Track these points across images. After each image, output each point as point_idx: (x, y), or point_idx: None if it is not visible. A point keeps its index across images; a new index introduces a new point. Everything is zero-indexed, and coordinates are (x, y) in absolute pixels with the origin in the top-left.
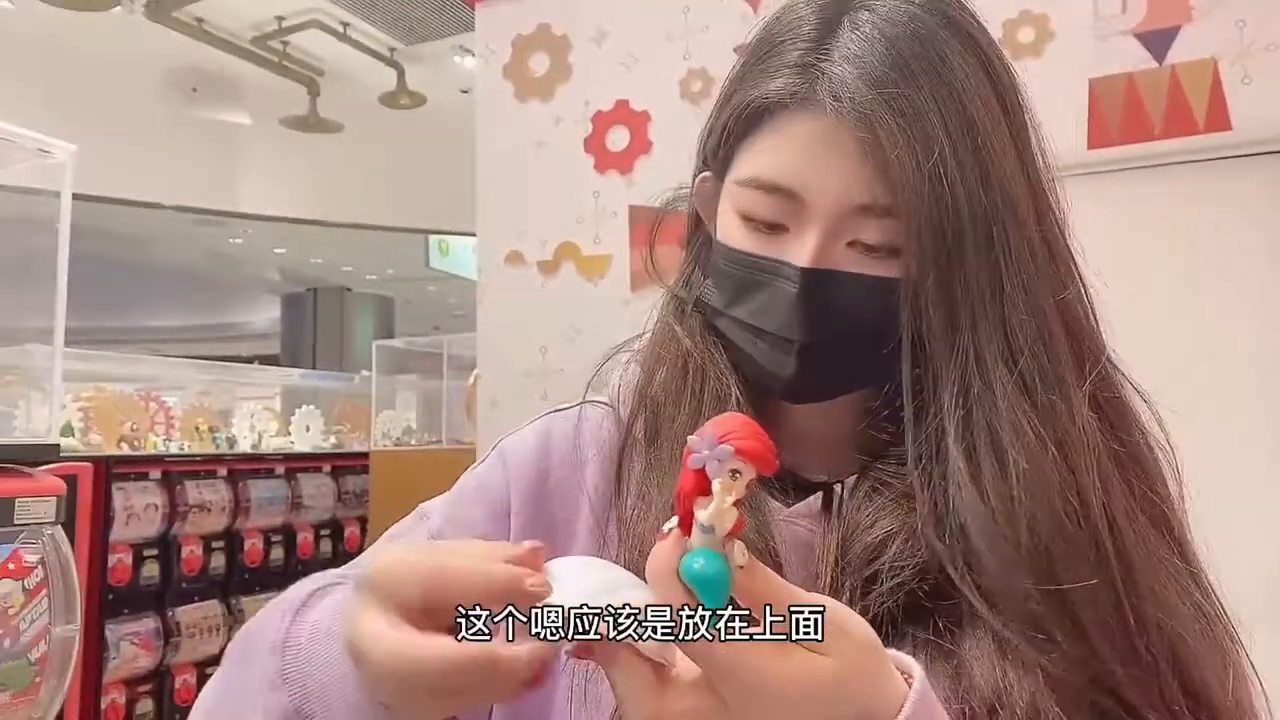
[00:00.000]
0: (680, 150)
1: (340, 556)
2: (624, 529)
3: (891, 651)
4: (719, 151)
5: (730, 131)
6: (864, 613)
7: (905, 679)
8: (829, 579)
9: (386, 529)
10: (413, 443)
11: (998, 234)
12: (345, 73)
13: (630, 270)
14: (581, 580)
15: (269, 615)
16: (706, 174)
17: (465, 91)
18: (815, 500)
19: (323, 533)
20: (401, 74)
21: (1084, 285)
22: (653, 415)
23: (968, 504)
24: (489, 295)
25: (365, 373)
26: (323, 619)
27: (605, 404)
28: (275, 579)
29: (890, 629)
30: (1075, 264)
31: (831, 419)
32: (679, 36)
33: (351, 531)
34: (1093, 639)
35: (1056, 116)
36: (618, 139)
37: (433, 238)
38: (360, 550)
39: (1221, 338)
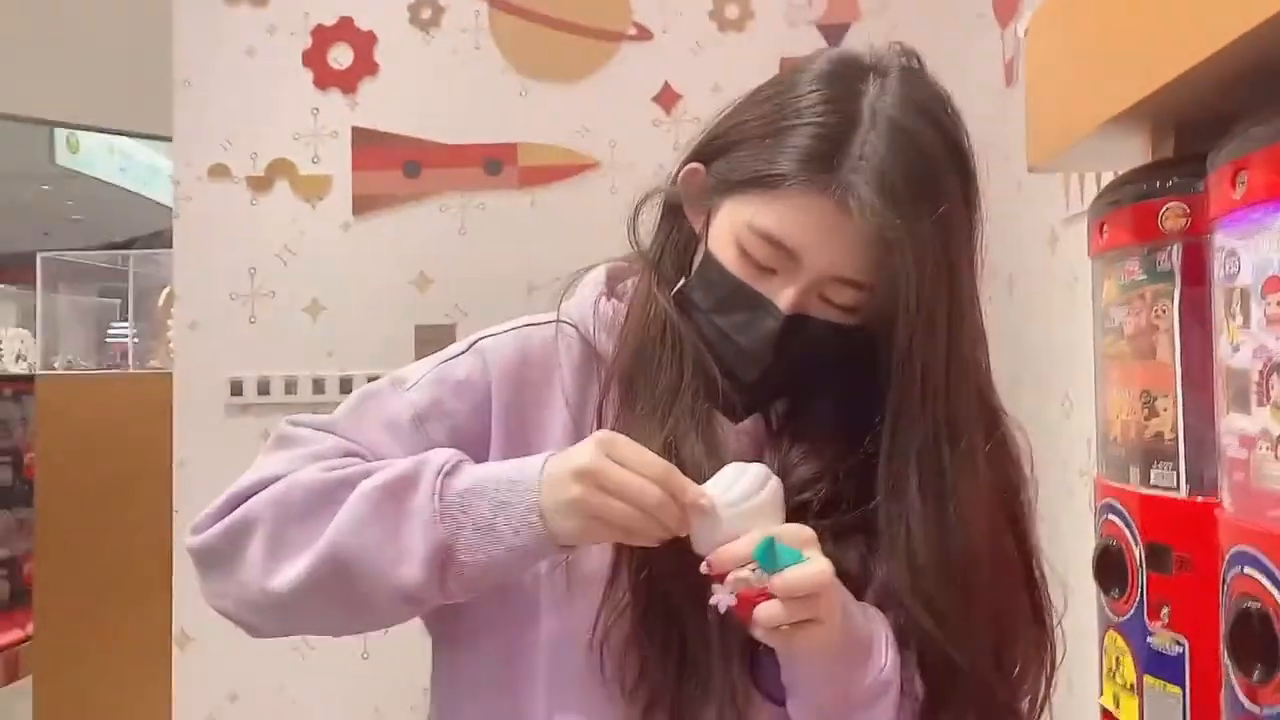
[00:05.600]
0: (409, 77)
1: None
2: None
3: None
4: (727, 175)
5: (747, 179)
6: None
7: None
8: None
9: (53, 463)
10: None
11: (954, 345)
12: None
13: (353, 194)
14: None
15: (418, 472)
16: (697, 166)
17: None
18: (757, 420)
19: None
20: None
21: (984, 345)
22: (632, 365)
23: (926, 533)
24: (188, 209)
25: None
26: (472, 482)
27: (573, 325)
28: None
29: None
30: (983, 336)
31: None
32: None
33: None
34: (977, 627)
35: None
36: (340, 56)
37: (59, 131)
38: (12, 487)
39: None
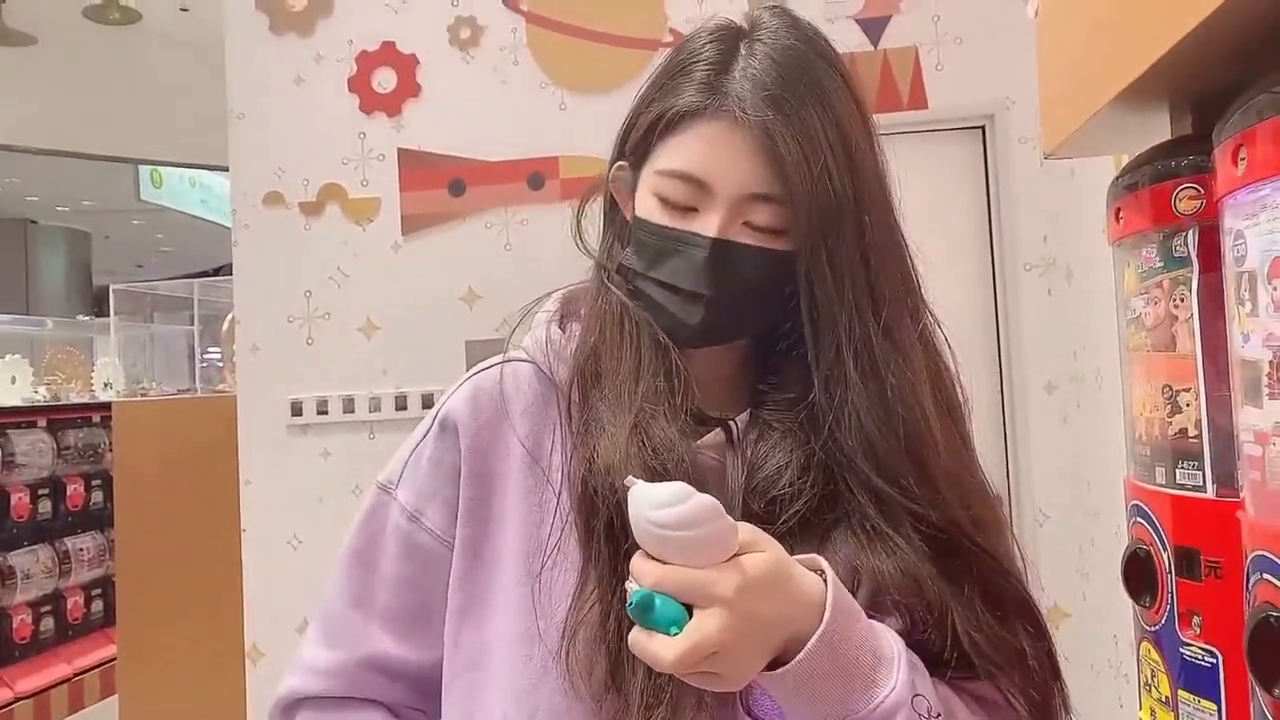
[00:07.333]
0: (451, 96)
1: (60, 516)
2: (578, 445)
3: (799, 555)
4: (639, 147)
5: (651, 131)
6: (772, 532)
7: (818, 574)
8: (741, 504)
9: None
10: (148, 391)
11: (864, 220)
12: None
13: (401, 214)
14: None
15: None
16: (623, 164)
17: (185, 10)
18: (718, 434)
19: (41, 492)
20: None
21: (907, 246)
22: (594, 360)
23: (870, 407)
24: (246, 236)
25: (83, 317)
26: None
27: (525, 359)
28: None
29: (792, 542)
30: (902, 232)
31: (721, 366)
32: None
33: (75, 490)
34: (940, 487)
35: None
36: (384, 80)
37: (143, 167)
38: (86, 508)
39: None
